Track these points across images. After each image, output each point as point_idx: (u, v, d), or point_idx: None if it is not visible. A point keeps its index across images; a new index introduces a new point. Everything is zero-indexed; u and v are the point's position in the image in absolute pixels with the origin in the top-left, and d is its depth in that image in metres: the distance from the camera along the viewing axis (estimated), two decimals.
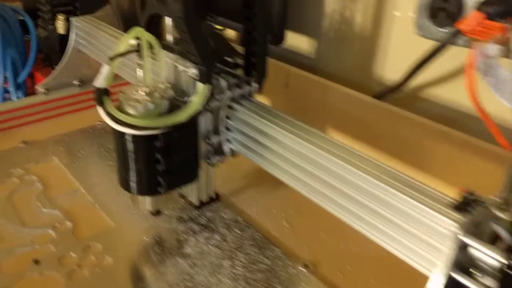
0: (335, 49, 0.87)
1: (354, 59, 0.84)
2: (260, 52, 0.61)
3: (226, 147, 0.66)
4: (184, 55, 0.60)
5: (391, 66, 0.79)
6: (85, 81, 1.07)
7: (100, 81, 0.58)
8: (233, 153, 0.66)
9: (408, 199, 0.43)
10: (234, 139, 0.65)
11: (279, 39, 0.86)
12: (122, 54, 0.59)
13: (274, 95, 0.87)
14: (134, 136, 0.56)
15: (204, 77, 0.57)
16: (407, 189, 0.44)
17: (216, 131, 0.65)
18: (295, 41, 0.94)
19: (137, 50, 0.60)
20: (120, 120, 0.55)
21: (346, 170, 0.49)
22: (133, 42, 0.59)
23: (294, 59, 0.94)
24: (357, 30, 0.82)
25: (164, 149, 0.58)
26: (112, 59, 0.58)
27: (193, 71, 0.58)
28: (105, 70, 0.58)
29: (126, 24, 0.87)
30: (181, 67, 0.59)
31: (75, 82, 1.07)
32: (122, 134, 0.57)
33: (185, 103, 0.60)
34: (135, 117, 0.55)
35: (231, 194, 0.75)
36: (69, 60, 1.04)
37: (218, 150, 0.66)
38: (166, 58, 0.61)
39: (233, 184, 0.77)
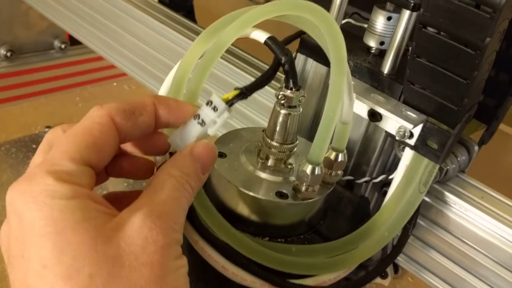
0: None
1: None
2: None
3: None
4: (391, 89, 0.26)
5: None
6: (17, 51, 0.66)
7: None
8: (397, 271, 0.35)
9: None
10: (409, 246, 0.33)
11: None
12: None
13: None
14: None
15: (445, 150, 0.25)
16: None
17: None
18: None
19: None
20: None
21: None
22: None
23: None
24: None
25: None
26: (246, 92, 0.23)
27: (414, 131, 0.25)
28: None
29: None
30: (390, 117, 0.25)
31: (1, 52, 0.65)
32: None
33: (353, 186, 0.28)
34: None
35: None
36: None
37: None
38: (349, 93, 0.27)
39: None
